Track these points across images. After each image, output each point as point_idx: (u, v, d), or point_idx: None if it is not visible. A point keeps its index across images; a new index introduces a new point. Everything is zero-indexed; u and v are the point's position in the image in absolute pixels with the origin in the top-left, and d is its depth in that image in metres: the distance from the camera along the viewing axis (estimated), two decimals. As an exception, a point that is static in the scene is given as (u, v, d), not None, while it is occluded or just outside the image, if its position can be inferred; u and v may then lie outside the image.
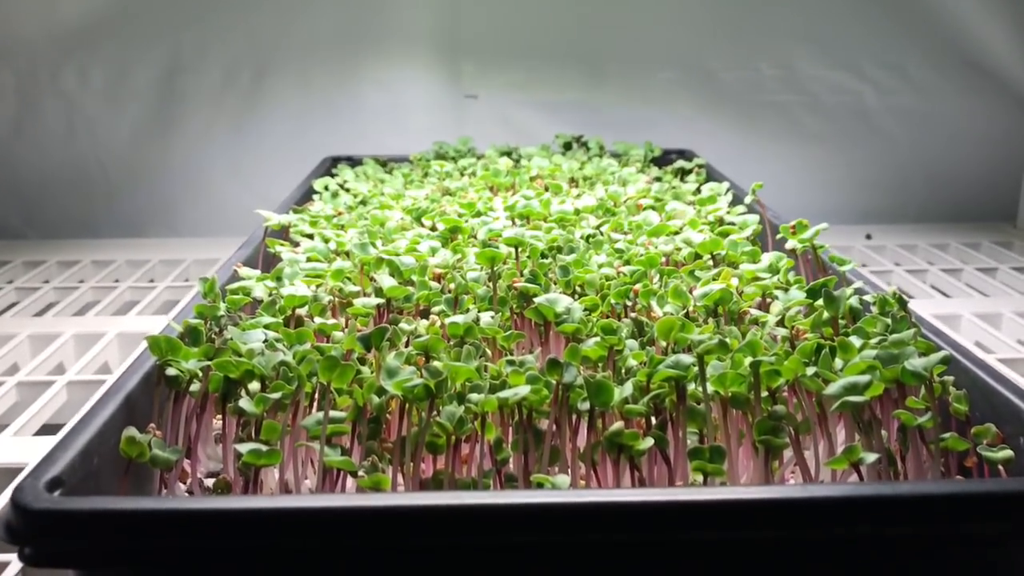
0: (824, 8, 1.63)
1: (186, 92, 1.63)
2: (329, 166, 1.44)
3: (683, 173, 1.33)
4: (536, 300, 0.68)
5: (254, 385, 0.61)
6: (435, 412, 0.56)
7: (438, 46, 1.65)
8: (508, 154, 1.43)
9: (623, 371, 0.62)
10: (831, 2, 1.63)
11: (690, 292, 0.74)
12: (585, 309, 0.70)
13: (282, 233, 1.00)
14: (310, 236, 0.99)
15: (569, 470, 0.56)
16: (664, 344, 0.65)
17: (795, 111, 1.68)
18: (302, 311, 0.73)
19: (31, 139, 1.63)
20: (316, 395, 0.60)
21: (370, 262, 0.81)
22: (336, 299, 0.76)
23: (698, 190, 1.17)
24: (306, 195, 1.24)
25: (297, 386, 0.57)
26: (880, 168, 1.69)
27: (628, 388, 0.56)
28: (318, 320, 0.71)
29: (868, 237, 1.60)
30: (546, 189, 1.18)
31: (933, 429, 0.56)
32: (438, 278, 0.82)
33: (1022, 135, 1.68)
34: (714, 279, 0.77)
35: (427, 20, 1.64)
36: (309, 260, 0.87)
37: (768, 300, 0.76)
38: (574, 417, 0.57)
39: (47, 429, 0.96)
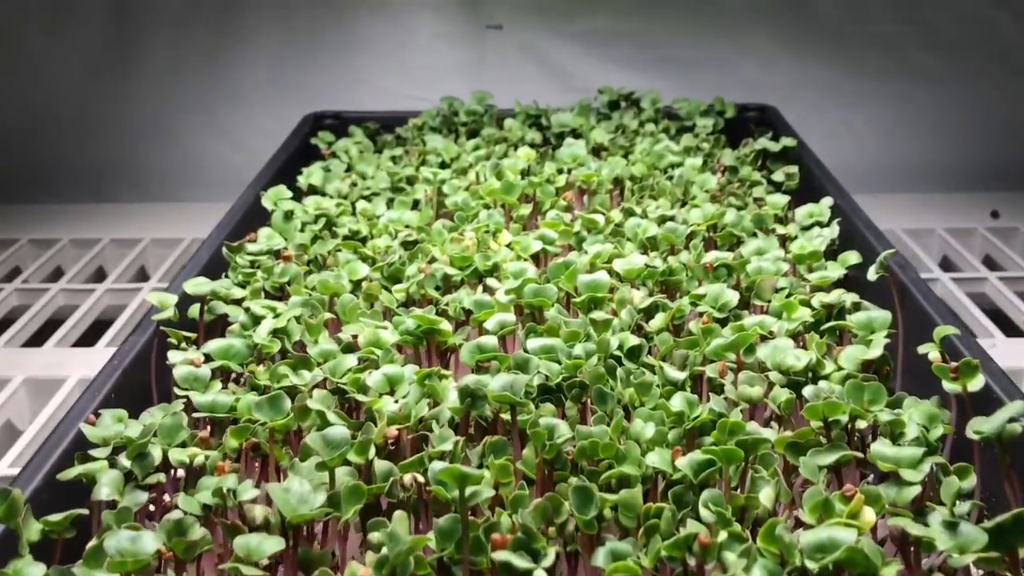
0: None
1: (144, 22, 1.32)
2: (308, 131, 1.12)
3: (765, 158, 1.00)
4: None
5: None
6: None
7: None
8: (537, 120, 1.10)
9: None
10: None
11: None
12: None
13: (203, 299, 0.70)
14: (241, 302, 0.70)
15: None
16: None
17: (906, 44, 1.31)
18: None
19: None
20: None
21: (287, 427, 0.52)
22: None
23: (789, 209, 0.85)
24: (287, 166, 0.97)
25: None
26: (1014, 118, 1.33)
27: None
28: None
29: (994, 215, 1.26)
30: (583, 193, 0.87)
31: None
32: (391, 439, 0.53)
33: None
34: (844, 503, 0.45)
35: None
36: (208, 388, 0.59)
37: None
38: None
39: None
